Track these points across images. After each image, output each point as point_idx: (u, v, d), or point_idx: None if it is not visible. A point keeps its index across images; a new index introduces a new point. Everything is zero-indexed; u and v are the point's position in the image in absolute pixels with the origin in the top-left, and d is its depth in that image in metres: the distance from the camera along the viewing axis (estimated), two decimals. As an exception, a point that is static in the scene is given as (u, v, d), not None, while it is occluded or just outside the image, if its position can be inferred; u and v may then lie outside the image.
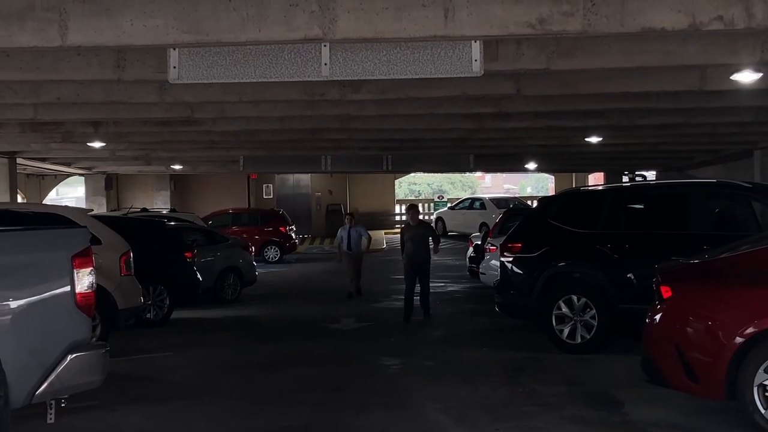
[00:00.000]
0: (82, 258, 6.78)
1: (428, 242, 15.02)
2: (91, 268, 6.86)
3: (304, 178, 40.71)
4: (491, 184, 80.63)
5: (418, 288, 14.61)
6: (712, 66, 10.91)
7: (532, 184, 78.83)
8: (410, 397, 8.90)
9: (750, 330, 6.77)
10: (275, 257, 29.30)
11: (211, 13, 7.53)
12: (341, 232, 18.58)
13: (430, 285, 15.10)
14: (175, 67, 8.06)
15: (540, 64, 9.82)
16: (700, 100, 13.65)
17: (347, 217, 19.24)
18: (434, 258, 15.43)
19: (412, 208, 15.56)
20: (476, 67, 7.94)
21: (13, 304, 6.35)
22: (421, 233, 14.97)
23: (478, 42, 7.88)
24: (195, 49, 7.98)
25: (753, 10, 7.38)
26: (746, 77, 10.99)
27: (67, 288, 6.66)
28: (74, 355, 6.57)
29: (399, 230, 15.93)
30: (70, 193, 48.74)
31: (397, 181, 47.20)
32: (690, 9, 7.45)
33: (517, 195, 57.10)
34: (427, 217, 43.88)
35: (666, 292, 7.45)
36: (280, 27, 7.53)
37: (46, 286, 6.61)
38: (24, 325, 6.39)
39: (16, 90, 12.25)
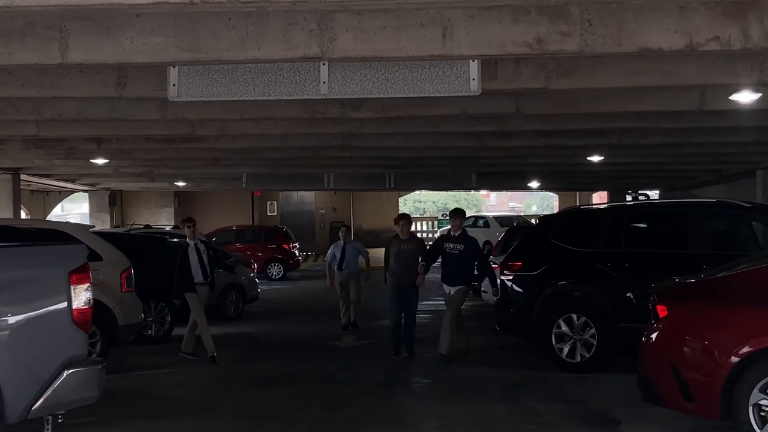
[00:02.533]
0: (79, 274, 6.82)
1: (417, 261, 12.57)
2: (88, 284, 6.89)
3: (308, 196, 40.76)
4: (496, 203, 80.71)
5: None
6: (711, 86, 10.92)
7: (537, 202, 78.91)
8: (408, 415, 8.90)
9: (745, 349, 6.76)
10: (278, 274, 29.30)
11: (211, 32, 7.59)
12: (333, 249, 16.00)
13: (444, 307, 12.71)
14: (174, 85, 8.12)
15: (539, 84, 9.84)
16: (700, 119, 13.63)
17: (341, 230, 16.39)
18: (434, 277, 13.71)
19: (404, 218, 13.18)
20: (474, 86, 7.98)
21: (11, 319, 6.39)
22: (409, 249, 12.69)
23: (476, 61, 7.92)
24: (194, 67, 8.04)
25: (749, 31, 7.41)
26: (745, 97, 10.98)
27: (64, 304, 6.70)
28: (70, 371, 6.61)
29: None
30: (75, 210, 48.73)
31: (401, 199, 47.28)
32: (687, 30, 7.49)
33: (521, 213, 57.12)
34: (431, 235, 44.02)
35: (662, 311, 7.45)
36: (279, 45, 7.59)
37: (42, 302, 6.65)
38: (20, 341, 6.42)
39: (18, 107, 12.31)
